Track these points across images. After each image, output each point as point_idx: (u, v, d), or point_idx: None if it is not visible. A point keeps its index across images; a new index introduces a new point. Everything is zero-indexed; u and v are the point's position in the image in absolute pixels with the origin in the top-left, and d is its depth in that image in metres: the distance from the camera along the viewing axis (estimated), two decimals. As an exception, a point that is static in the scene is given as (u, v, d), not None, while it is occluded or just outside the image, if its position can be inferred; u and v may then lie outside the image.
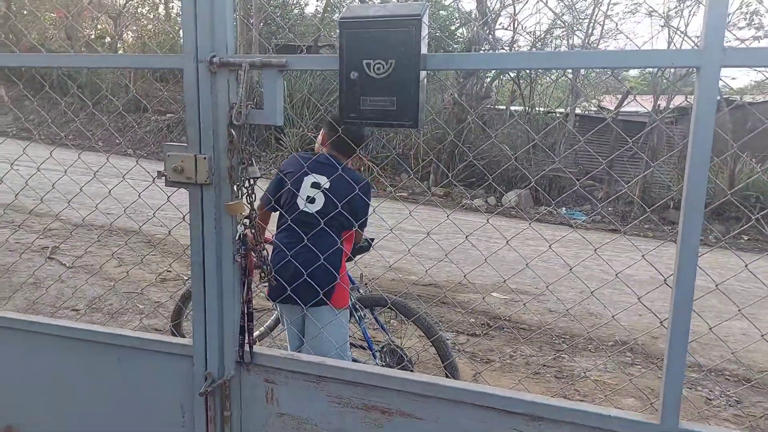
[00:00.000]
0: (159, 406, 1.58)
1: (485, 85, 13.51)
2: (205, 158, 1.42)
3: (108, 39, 17.24)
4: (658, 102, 11.74)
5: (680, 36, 11.49)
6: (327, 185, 2.30)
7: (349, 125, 1.40)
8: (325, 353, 2.27)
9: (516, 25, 13.82)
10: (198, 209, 1.44)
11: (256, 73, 1.45)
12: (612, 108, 13.40)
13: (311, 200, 2.31)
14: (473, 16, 14.19)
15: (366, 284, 2.97)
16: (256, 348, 1.46)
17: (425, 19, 1.31)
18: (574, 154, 12.49)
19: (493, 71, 12.84)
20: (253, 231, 1.45)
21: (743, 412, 3.18)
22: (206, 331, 1.46)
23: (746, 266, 1.41)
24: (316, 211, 2.26)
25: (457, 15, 14.87)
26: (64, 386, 1.68)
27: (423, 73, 1.33)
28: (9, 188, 2.25)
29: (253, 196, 1.45)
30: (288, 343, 2.50)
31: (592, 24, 13.32)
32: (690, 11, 11.59)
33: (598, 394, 3.18)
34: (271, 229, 2.44)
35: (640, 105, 12.88)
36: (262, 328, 3.00)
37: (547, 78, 14.36)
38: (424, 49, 1.32)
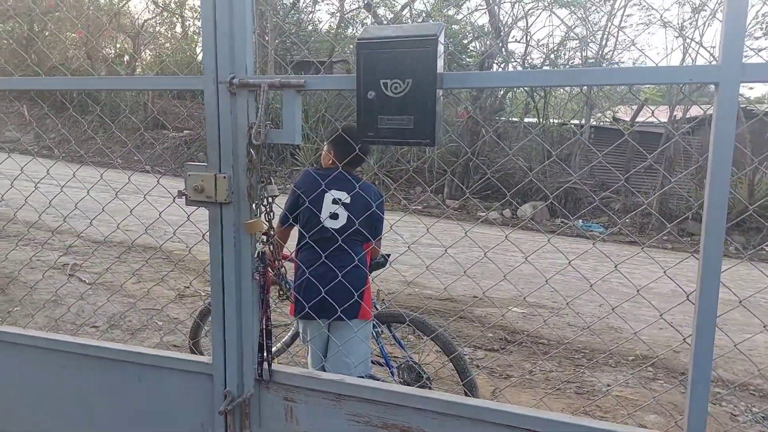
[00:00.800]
0: (179, 424, 1.58)
1: (499, 97, 13.51)
2: (225, 177, 1.44)
3: (127, 57, 17.64)
4: (674, 113, 11.63)
5: (696, 46, 11.41)
6: (348, 200, 2.33)
7: (365, 143, 1.41)
8: (350, 367, 2.28)
9: (529, 38, 13.86)
10: (218, 228, 1.46)
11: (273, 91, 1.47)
12: (627, 119, 13.31)
13: (334, 216, 2.33)
14: (486, 30, 14.26)
15: (383, 300, 2.96)
16: (275, 366, 1.47)
17: (441, 38, 1.32)
18: (590, 166, 12.39)
19: (506, 84, 12.83)
20: (271, 248, 1.46)
21: (770, 430, 3.09)
22: (225, 349, 1.47)
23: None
24: (341, 227, 2.29)
25: (469, 29, 14.95)
26: (86, 404, 1.70)
27: (440, 92, 1.34)
28: (32, 207, 2.30)
29: (272, 213, 1.47)
30: (309, 359, 2.50)
31: (605, 35, 13.30)
32: (705, 22, 11.52)
33: (620, 411, 3.12)
34: (289, 247, 2.46)
35: (655, 117, 12.77)
36: (279, 345, 3.00)
37: (562, 90, 14.32)
38: (440, 68, 1.33)
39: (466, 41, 14.94)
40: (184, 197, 1.48)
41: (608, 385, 3.44)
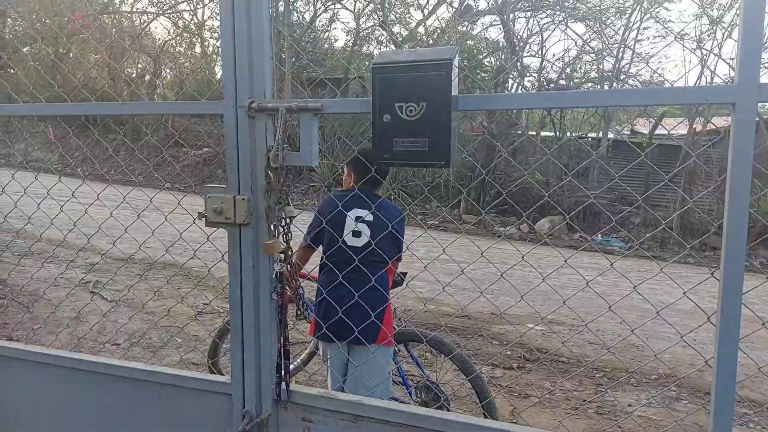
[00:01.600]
0: (198, 443, 1.60)
1: (514, 111, 13.50)
2: (244, 199, 1.47)
3: (148, 77, 18.07)
4: (694, 125, 11.49)
5: (714, 58, 11.31)
6: (370, 218, 2.35)
7: (381, 164, 1.43)
8: (370, 389, 2.27)
9: (544, 53, 13.87)
10: (237, 248, 1.48)
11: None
12: (646, 131, 13.18)
13: (357, 234, 2.35)
14: (501, 44, 14.31)
15: (399, 318, 2.96)
16: (293, 386, 1.48)
17: (455, 62, 1.34)
18: (608, 179, 12.26)
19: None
20: (289, 268, 1.48)
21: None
22: (244, 369, 1.49)
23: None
24: (364, 245, 2.31)
25: (484, 44, 15.02)
26: (108, 422, 1.72)
27: (454, 114, 1.35)
28: (57, 228, 2.35)
29: (290, 234, 1.49)
30: (329, 381, 2.49)
31: (622, 48, 13.25)
32: (723, 34, 11.42)
33: (642, 432, 3.06)
34: (307, 267, 2.48)
35: (675, 130, 12.63)
36: (296, 362, 3.01)
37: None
38: (455, 91, 1.35)
39: (481, 56, 15.00)
40: (204, 219, 1.52)
41: (630, 405, 3.37)
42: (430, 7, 15.38)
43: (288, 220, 1.48)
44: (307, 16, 16.60)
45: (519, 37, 13.94)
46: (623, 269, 7.25)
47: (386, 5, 15.48)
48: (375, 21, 16.42)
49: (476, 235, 10.14)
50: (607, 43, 13.45)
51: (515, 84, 14.34)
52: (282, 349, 1.45)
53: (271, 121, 1.51)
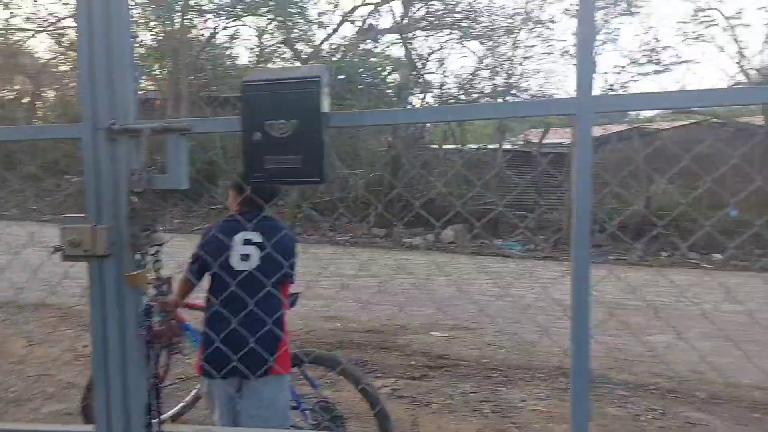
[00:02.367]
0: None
1: (418, 126, 13.94)
2: (104, 229, 1.36)
3: (27, 99, 16.56)
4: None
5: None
6: (259, 238, 2.24)
7: (253, 184, 1.39)
8: (268, 421, 2.15)
9: (444, 70, 14.49)
10: (98, 283, 1.37)
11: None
12: (537, 141, 14.14)
13: (245, 257, 2.23)
14: (402, 61, 14.77)
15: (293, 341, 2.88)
16: (168, 426, 1.38)
17: (325, 80, 1.35)
18: (505, 187, 13.01)
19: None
20: (162, 299, 1.39)
21: (668, 424, 3.30)
22: (110, 414, 1.36)
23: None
24: (254, 268, 2.18)
25: (388, 61, 15.42)
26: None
27: (326, 131, 1.36)
28: None
29: (160, 263, 1.40)
30: (216, 416, 2.31)
31: (512, 65, 14.15)
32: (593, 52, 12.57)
33: (533, 424, 3.21)
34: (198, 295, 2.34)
35: (563, 138, 13.70)
36: (181, 405, 2.79)
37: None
38: (326, 108, 1.35)
39: (385, 73, 15.38)
40: (59, 252, 1.38)
41: (524, 401, 3.53)
42: (334, 25, 15.52)
43: (157, 248, 1.39)
44: (206, 33, 16.10)
45: (419, 55, 14.47)
46: (520, 270, 7.66)
47: (287, 23, 15.41)
48: (278, 38, 16.28)
49: (386, 248, 10.27)
50: (498, 60, 14.30)
51: (419, 100, 14.90)
52: (153, 388, 1.35)
53: (134, 144, 1.42)
